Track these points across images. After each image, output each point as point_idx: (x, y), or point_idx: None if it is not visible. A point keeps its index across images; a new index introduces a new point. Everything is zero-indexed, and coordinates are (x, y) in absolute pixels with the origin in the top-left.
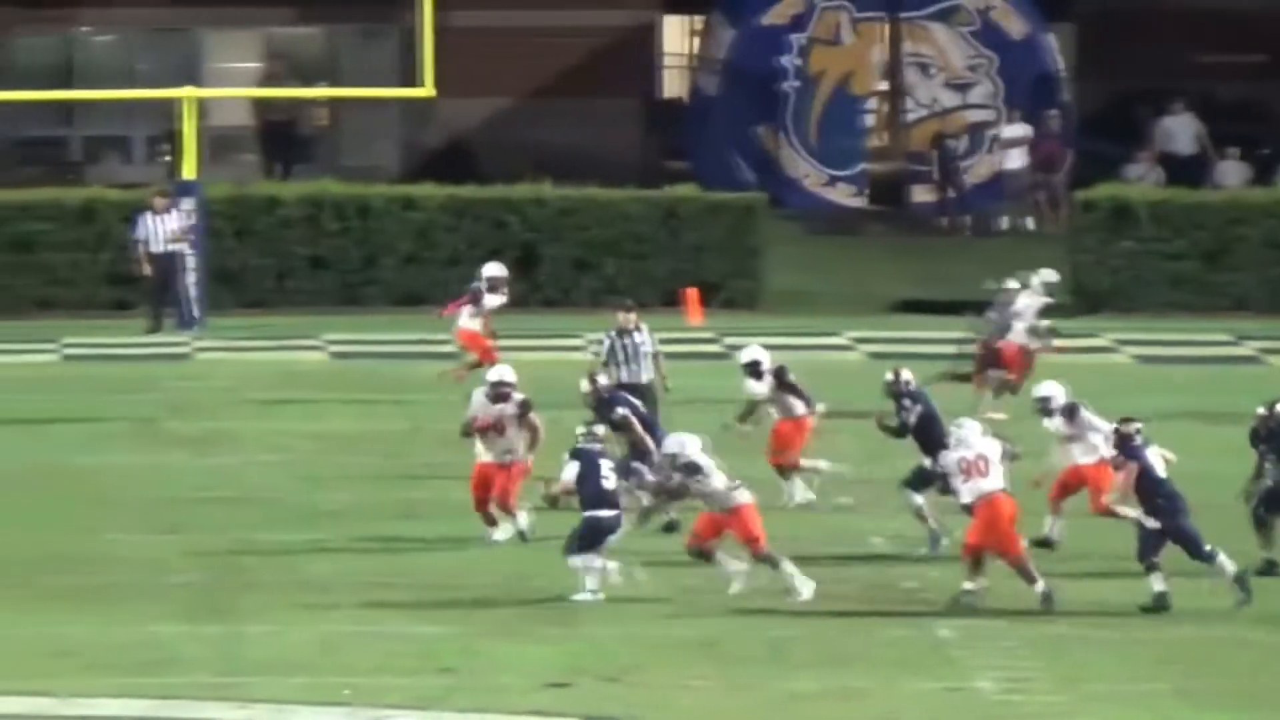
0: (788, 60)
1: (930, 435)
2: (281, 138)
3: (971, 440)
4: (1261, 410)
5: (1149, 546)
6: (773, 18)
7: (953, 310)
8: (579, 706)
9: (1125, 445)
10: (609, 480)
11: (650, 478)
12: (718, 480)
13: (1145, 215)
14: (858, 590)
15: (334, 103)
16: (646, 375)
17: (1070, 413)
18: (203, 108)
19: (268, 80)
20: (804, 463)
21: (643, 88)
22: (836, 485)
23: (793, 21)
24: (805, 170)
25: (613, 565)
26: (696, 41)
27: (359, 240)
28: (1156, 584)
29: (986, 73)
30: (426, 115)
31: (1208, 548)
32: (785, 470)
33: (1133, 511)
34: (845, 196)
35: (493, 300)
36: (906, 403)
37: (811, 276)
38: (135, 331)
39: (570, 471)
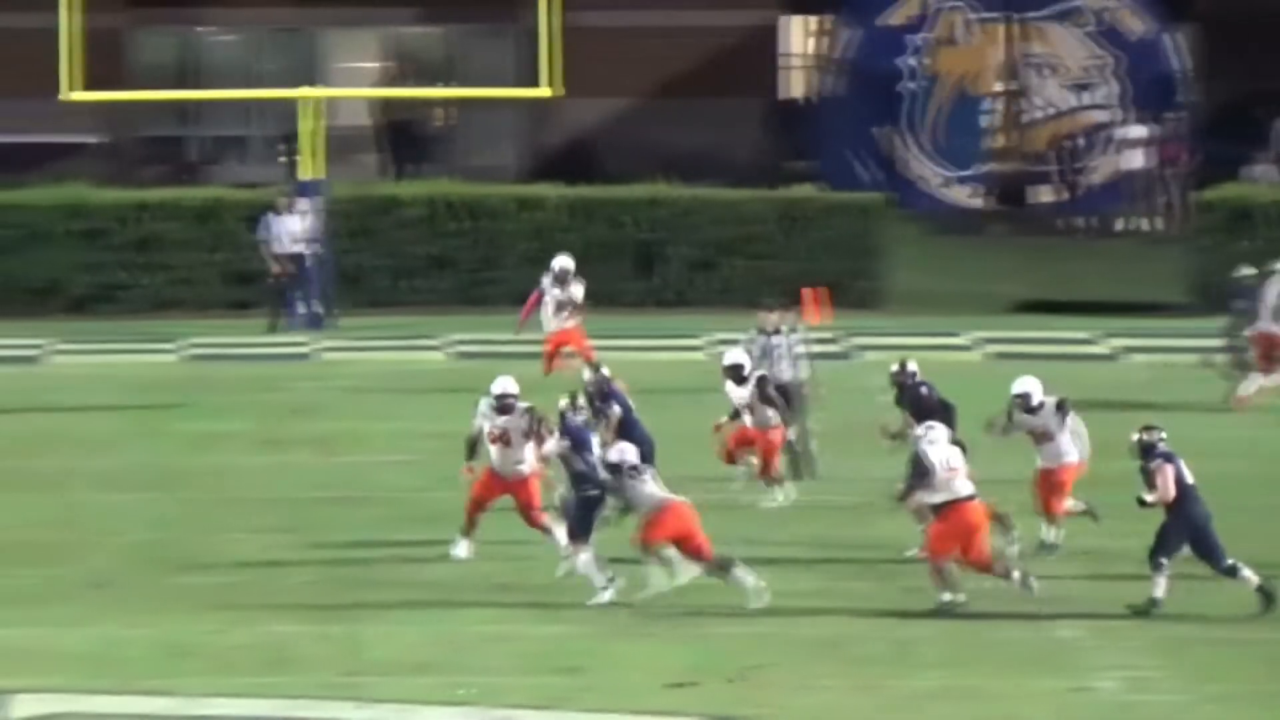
0: (908, 61)
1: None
2: (402, 138)
3: (942, 443)
4: None
5: (1167, 547)
6: (893, 18)
7: (1073, 311)
8: (702, 706)
9: (1152, 451)
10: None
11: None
12: (649, 487)
13: (1265, 216)
14: (977, 590)
15: (454, 103)
16: (788, 374)
17: (1061, 409)
18: (323, 108)
19: (388, 80)
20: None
21: (764, 88)
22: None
23: (913, 22)
24: (925, 170)
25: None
26: (818, 42)
27: (478, 240)
28: (1157, 589)
29: (1106, 73)
30: (547, 115)
31: (1228, 562)
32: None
33: (1079, 505)
34: (965, 197)
35: (564, 293)
36: (922, 391)
37: (932, 276)
38: (255, 331)
39: (555, 446)
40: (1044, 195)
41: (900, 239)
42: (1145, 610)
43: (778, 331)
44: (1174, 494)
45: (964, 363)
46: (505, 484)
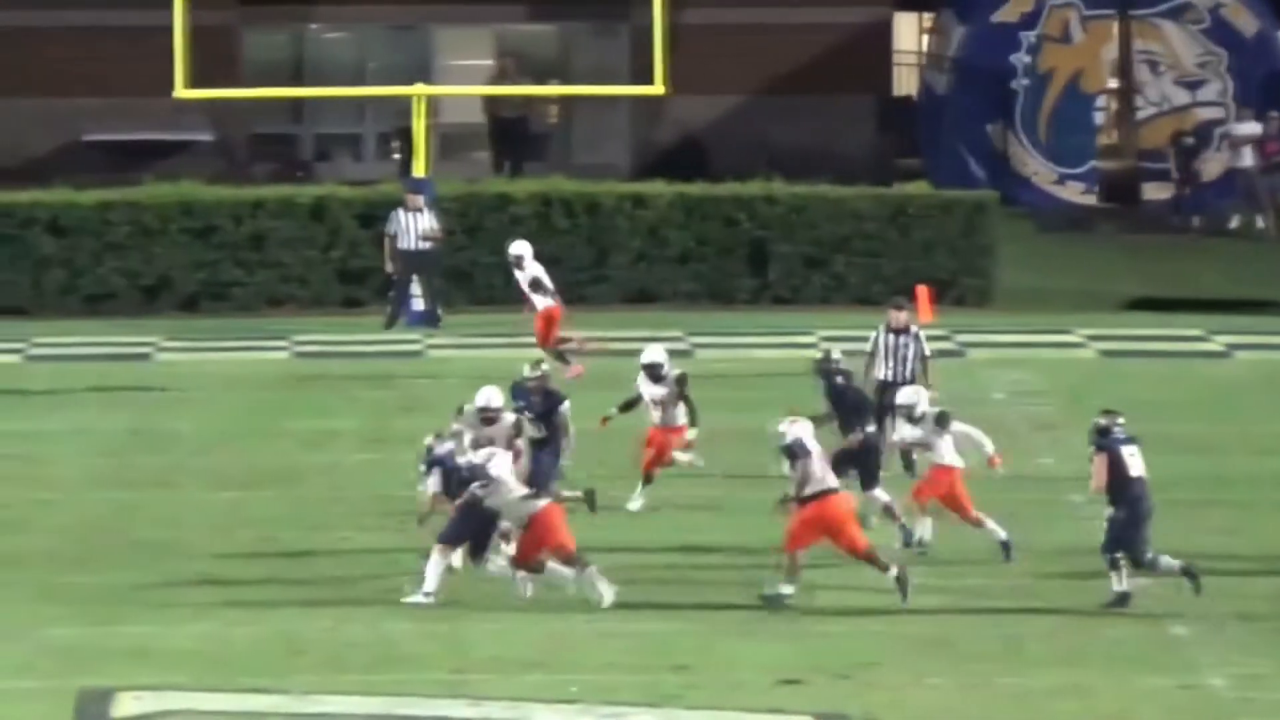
0: (1018, 58)
1: (859, 416)
2: (512, 135)
3: (809, 437)
4: None
5: (1114, 543)
6: (1004, 15)
7: (1185, 308)
8: (812, 704)
9: (1103, 437)
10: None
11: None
12: (512, 492)
13: None
14: (1089, 588)
15: (565, 100)
16: (904, 375)
17: (941, 420)
18: (434, 105)
19: (499, 77)
20: (681, 457)
21: (875, 85)
22: (1068, 484)
23: (1023, 19)
24: (1036, 168)
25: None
26: (930, 39)
27: (589, 238)
28: (1117, 583)
29: (1217, 70)
30: (658, 113)
31: (1151, 557)
32: (650, 475)
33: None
34: (1076, 194)
35: (524, 276)
36: (838, 381)
37: (1043, 274)
38: (366, 328)
39: (433, 483)
40: (1156, 192)
41: (1011, 236)
42: (1118, 604)
43: (905, 331)
44: (1103, 483)
45: (1076, 360)
46: None
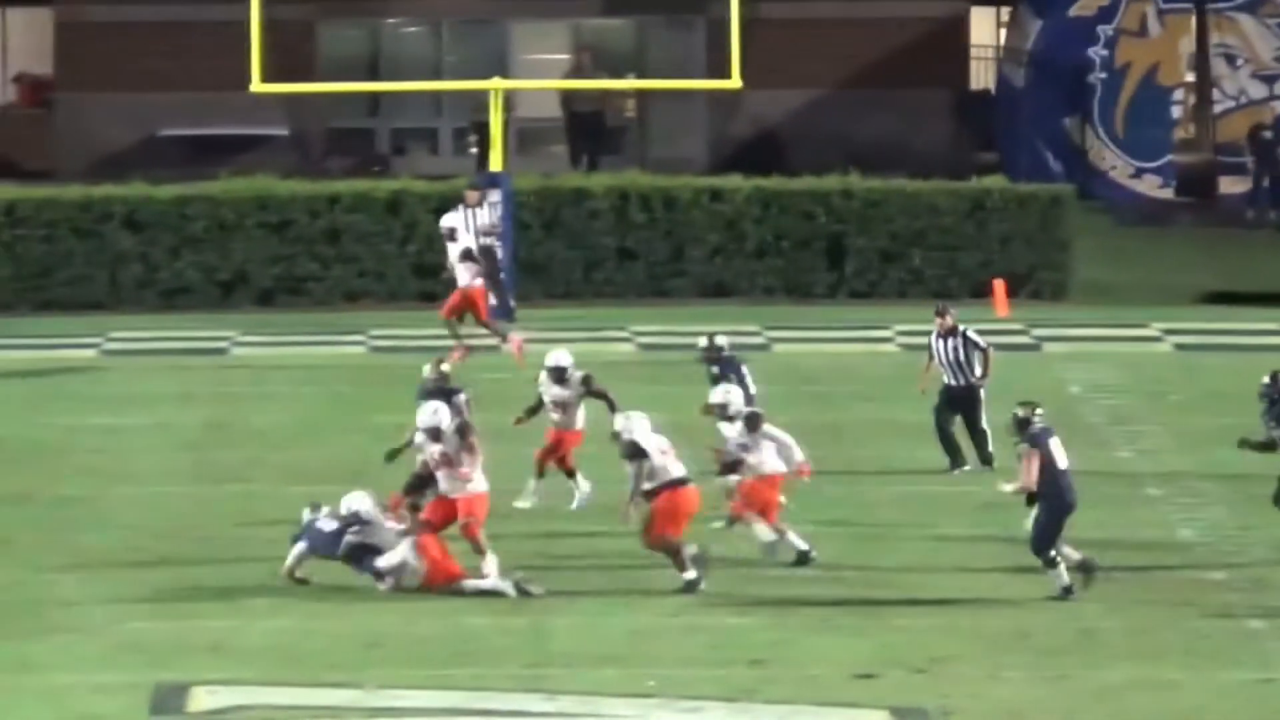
0: (1095, 51)
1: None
2: (589, 129)
3: (646, 429)
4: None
5: (1046, 539)
6: (1080, 9)
7: (1260, 302)
8: (889, 698)
9: (1024, 430)
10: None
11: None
12: (384, 532)
13: None
14: (1167, 581)
15: (642, 94)
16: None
17: (751, 422)
18: (510, 99)
19: (575, 72)
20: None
21: (951, 79)
22: (1145, 477)
23: (1100, 13)
24: (1113, 162)
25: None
26: (1006, 33)
27: (667, 232)
28: (1059, 578)
29: None
30: (734, 107)
31: (1051, 553)
32: (543, 469)
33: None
34: (1152, 188)
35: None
36: (719, 370)
37: (1119, 268)
38: (442, 323)
39: (298, 551)
40: (1232, 186)
41: (1088, 230)
42: (1064, 597)
43: (954, 333)
44: (1035, 481)
45: (1152, 354)
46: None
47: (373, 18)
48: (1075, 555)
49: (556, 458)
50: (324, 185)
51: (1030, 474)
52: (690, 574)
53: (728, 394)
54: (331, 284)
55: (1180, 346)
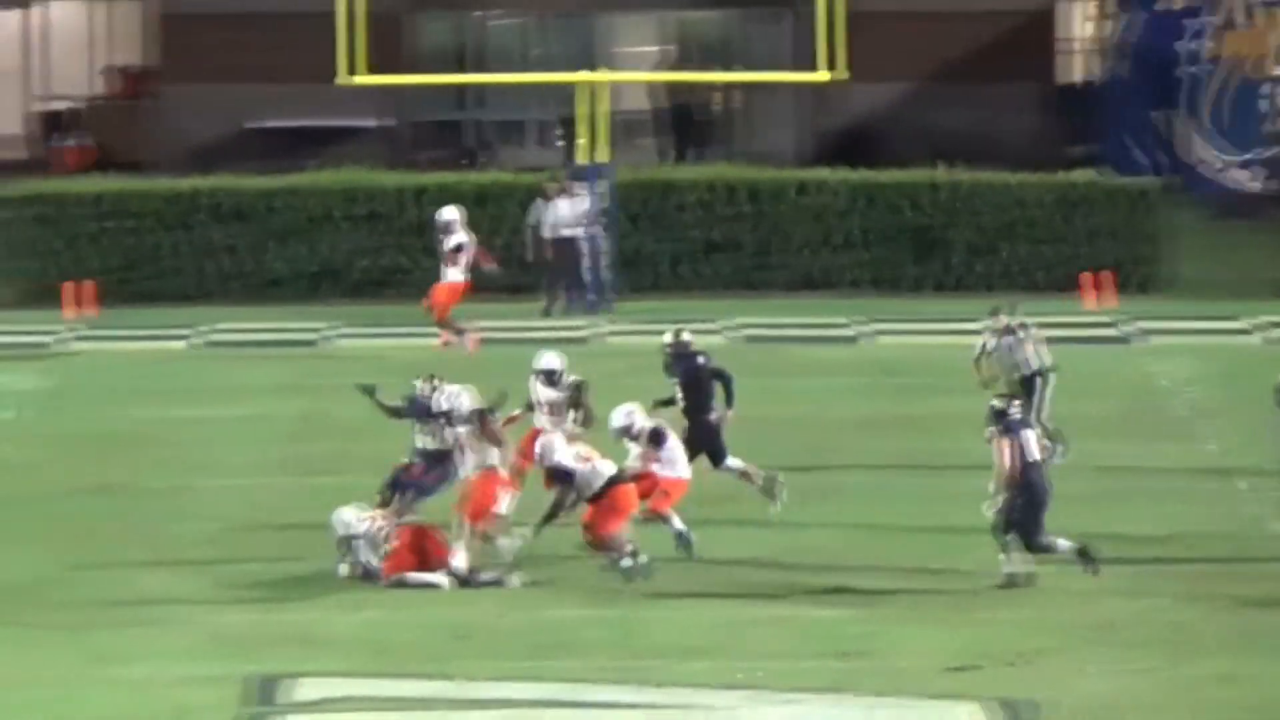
0: (1188, 45)
1: (699, 400)
2: (680, 122)
3: (560, 444)
4: None
5: (1030, 527)
6: (1173, 2)
7: None
8: (979, 690)
9: (1001, 420)
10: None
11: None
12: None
13: None
14: (1255, 575)
15: (732, 87)
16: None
17: (656, 438)
18: (601, 92)
19: (668, 64)
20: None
21: (1042, 72)
22: (1234, 470)
23: (1193, 6)
24: (1203, 154)
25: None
26: (1097, 26)
27: (757, 225)
28: (1008, 565)
29: None
30: (825, 99)
31: (1044, 540)
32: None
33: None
34: (1243, 181)
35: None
36: (699, 361)
37: (1210, 260)
38: (532, 315)
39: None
40: None
41: (1180, 223)
42: (1009, 585)
43: (1011, 331)
44: (1006, 468)
45: (1242, 347)
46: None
47: (463, 10)
48: (1069, 545)
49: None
50: (413, 177)
51: (1005, 461)
52: (629, 561)
53: (630, 415)
54: (420, 276)
55: (1270, 340)
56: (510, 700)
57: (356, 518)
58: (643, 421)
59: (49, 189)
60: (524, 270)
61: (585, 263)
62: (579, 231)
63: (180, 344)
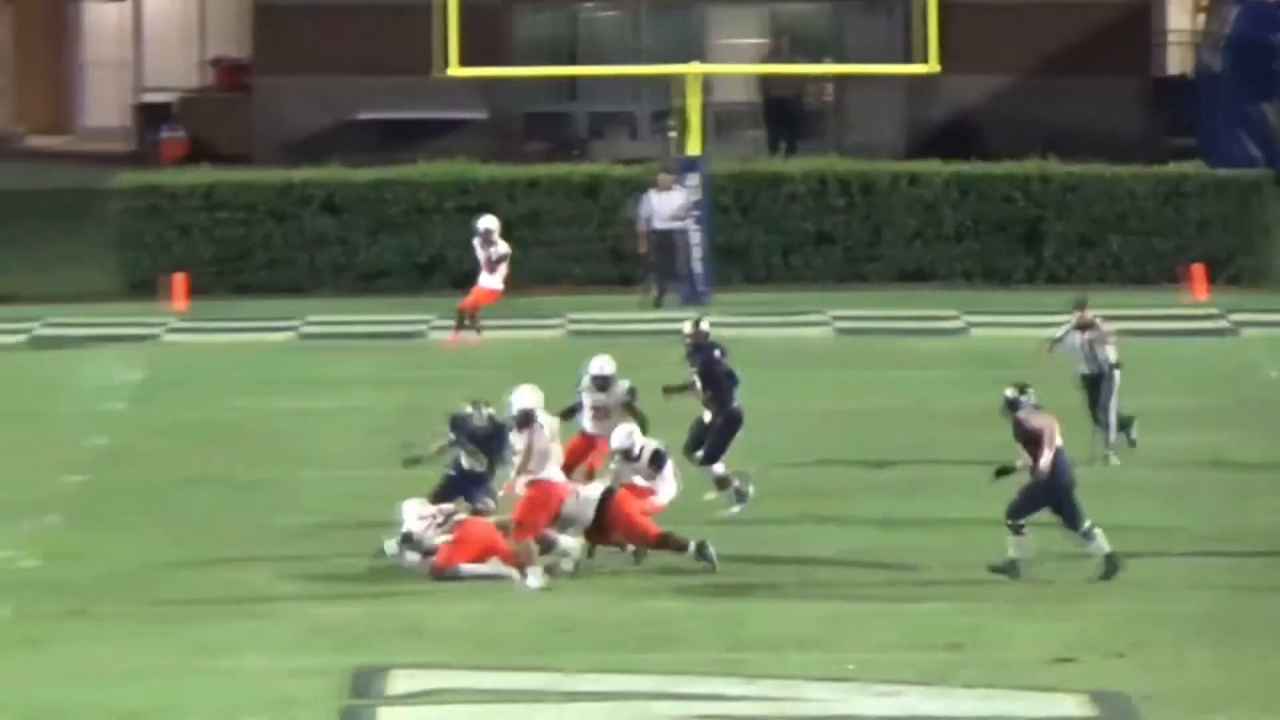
0: None
1: (718, 392)
2: (786, 114)
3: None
4: None
5: (1025, 508)
6: None
7: None
8: (1085, 682)
9: (1016, 409)
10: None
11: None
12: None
13: None
14: None
15: (839, 79)
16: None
17: (657, 460)
18: (707, 83)
19: (771, 56)
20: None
21: (1141, 65)
22: None
23: None
24: None
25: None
26: (1198, 18)
27: (864, 216)
28: (1013, 549)
29: None
30: (931, 91)
31: (1085, 525)
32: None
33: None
34: None
35: (486, 252)
36: (709, 354)
37: None
38: (638, 307)
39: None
40: None
41: None
42: (1006, 570)
43: (1091, 326)
44: (1053, 440)
45: None
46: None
47: (569, 1)
48: (1105, 547)
49: (587, 463)
50: (522, 169)
51: (1051, 436)
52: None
53: (630, 436)
54: (528, 268)
55: None
56: (614, 693)
57: (417, 513)
58: (643, 441)
59: (156, 180)
60: (630, 262)
61: (686, 255)
62: (678, 224)
63: (283, 335)
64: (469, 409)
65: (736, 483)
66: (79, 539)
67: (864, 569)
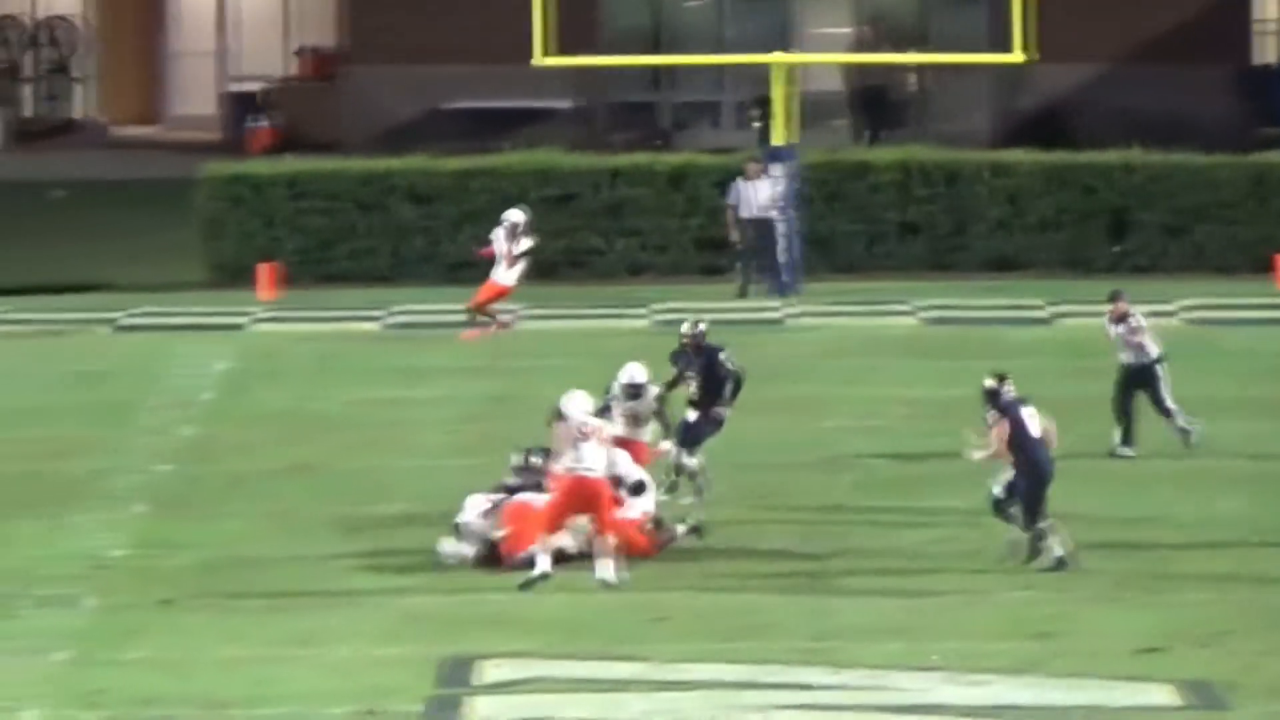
0: None
1: (713, 391)
2: (873, 103)
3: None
4: None
5: (1031, 507)
6: None
7: None
8: (1172, 672)
9: (995, 400)
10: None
11: None
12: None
13: None
14: None
15: (926, 68)
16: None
17: (638, 490)
18: (794, 73)
19: (859, 45)
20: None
21: (1235, 54)
22: None
23: None
24: None
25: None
26: None
27: (950, 206)
28: (1056, 549)
29: None
30: (1018, 80)
31: (1041, 524)
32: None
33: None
34: None
35: (517, 246)
36: (712, 355)
37: None
38: (725, 297)
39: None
40: None
41: None
42: (1058, 567)
43: (1125, 318)
44: (1002, 450)
45: None
46: None
47: None
48: (1058, 551)
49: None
50: (607, 159)
51: (1001, 441)
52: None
53: (615, 465)
54: (614, 258)
55: None
56: (703, 682)
57: (478, 506)
58: (628, 469)
59: (244, 170)
60: (716, 252)
61: (779, 245)
62: (773, 213)
63: (371, 325)
64: (514, 457)
65: (698, 479)
66: (168, 528)
67: (951, 558)
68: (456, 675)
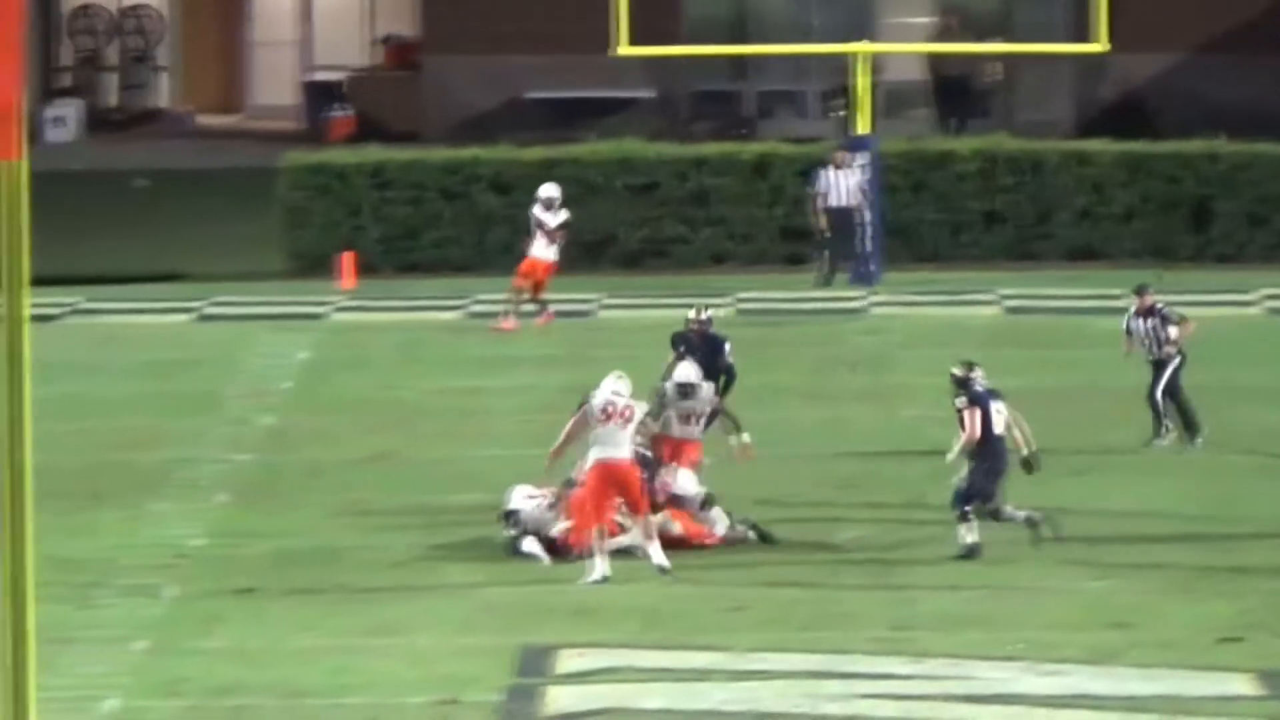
0: None
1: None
2: (955, 92)
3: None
4: None
5: (974, 494)
6: None
7: None
8: (1252, 662)
9: (965, 388)
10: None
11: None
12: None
13: None
14: None
15: (1008, 57)
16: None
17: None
18: (877, 62)
19: (941, 35)
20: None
21: None
22: None
23: None
24: None
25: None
26: None
27: (1033, 195)
28: (968, 535)
29: None
30: (1101, 70)
31: (1004, 510)
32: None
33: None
34: None
35: (554, 219)
36: (717, 345)
37: None
38: (808, 286)
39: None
40: None
41: None
42: (968, 556)
43: (1151, 311)
44: (979, 436)
45: None
46: None
47: None
48: (1020, 514)
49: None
50: (690, 148)
51: (974, 428)
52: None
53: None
54: (698, 247)
55: None
56: (782, 671)
57: (525, 495)
58: (685, 486)
59: (325, 159)
60: (798, 241)
61: (860, 234)
62: (855, 202)
63: (455, 314)
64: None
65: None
66: (248, 518)
67: (1030, 548)
68: (535, 665)
